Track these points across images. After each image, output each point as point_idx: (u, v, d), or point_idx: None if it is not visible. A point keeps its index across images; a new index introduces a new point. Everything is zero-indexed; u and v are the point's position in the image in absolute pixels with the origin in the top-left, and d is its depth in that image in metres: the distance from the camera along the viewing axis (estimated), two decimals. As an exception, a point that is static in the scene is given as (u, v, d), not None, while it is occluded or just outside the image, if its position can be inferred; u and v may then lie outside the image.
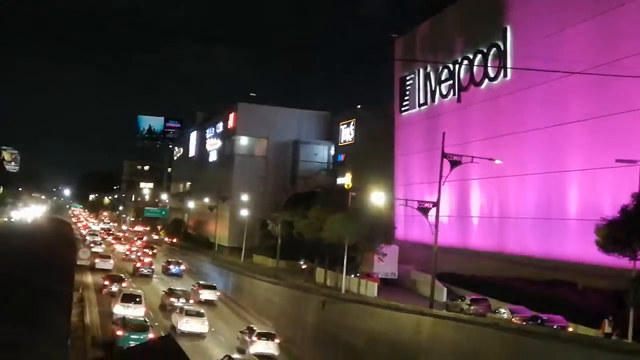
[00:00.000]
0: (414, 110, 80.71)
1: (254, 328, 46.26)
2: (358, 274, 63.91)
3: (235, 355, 39.11)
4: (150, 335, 39.41)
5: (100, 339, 42.77)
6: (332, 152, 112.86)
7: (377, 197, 56.54)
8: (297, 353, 45.94)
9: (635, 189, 33.09)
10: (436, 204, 42.75)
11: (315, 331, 49.02)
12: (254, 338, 43.95)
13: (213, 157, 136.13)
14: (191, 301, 57.89)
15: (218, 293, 68.77)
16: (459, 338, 33.76)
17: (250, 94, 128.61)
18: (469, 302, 46.63)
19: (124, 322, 40.59)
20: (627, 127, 46.39)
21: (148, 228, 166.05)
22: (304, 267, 78.11)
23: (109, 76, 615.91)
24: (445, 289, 54.30)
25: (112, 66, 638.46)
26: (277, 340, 45.66)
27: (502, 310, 42.88)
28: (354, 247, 59.55)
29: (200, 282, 71.55)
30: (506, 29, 62.75)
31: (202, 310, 51.30)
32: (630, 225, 31.31)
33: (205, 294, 65.24)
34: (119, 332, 39.03)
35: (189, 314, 48.87)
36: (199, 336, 47.08)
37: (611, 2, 49.12)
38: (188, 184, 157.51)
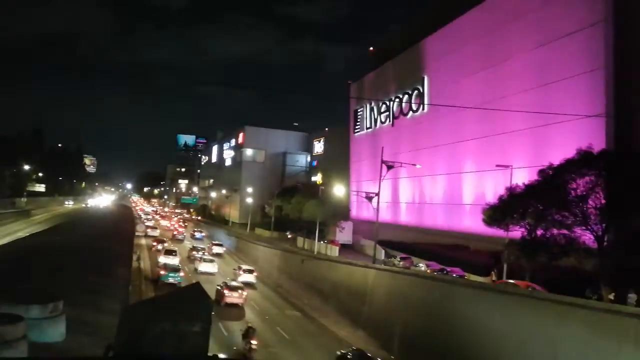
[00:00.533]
0: (363, 132, 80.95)
1: (241, 266, 49.87)
2: (326, 241, 64.12)
3: (232, 283, 39.31)
4: (182, 274, 42.33)
5: (150, 277, 44.68)
6: (309, 159, 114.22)
7: (338, 190, 57.22)
8: (285, 293, 45.98)
9: (509, 185, 33.61)
10: (377, 194, 43.11)
11: (296, 279, 49.12)
12: (241, 272, 46.73)
13: (228, 162, 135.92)
14: (207, 253, 59.72)
15: (224, 248, 69.76)
16: (392, 283, 34.04)
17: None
18: (399, 260, 46.99)
19: (165, 266, 42.98)
20: (504, 143, 47.12)
21: (184, 211, 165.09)
22: (289, 236, 78.15)
23: (161, 105, 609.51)
24: (383, 251, 54.70)
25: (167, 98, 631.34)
26: (255, 274, 47.76)
27: (421, 265, 43.33)
28: (323, 223, 60.03)
29: (213, 242, 72.96)
30: (424, 77, 63.22)
31: (213, 259, 54.48)
32: (504, 208, 31.61)
33: (216, 249, 67.15)
34: (162, 272, 41.62)
35: (204, 260, 52.27)
36: (211, 274, 48.61)
37: (494, 61, 49.83)
38: (211, 180, 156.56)
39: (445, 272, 38.60)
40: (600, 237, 25.77)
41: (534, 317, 22.26)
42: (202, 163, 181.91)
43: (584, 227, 26.11)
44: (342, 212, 66.08)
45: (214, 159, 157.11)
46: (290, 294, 46.51)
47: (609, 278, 25.72)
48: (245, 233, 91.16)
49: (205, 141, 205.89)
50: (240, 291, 37.29)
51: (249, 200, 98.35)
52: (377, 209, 42.51)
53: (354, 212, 75.64)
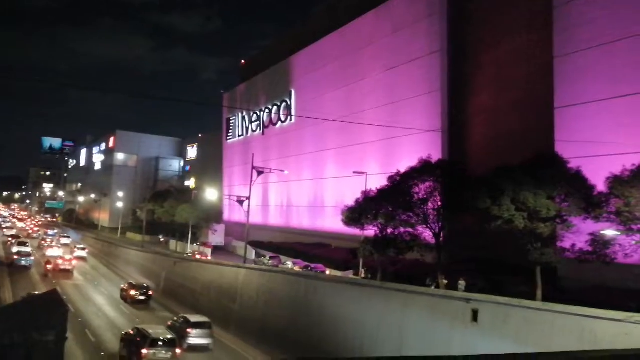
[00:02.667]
0: (235, 139, 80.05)
1: (77, 246, 58.31)
2: (198, 243, 62.14)
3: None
4: (32, 258, 53.72)
5: (5, 262, 53.34)
6: (182, 164, 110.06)
7: (210, 194, 55.81)
8: (156, 296, 43.56)
9: (364, 189, 35.21)
10: (248, 198, 42.79)
11: (169, 281, 46.87)
12: (76, 249, 55.90)
13: (98, 166, 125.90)
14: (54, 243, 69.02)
15: (87, 251, 68.44)
16: (261, 281, 33.94)
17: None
18: (268, 259, 47.12)
19: (19, 253, 53.27)
20: (360, 153, 49.57)
21: (49, 215, 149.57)
22: (162, 240, 74.41)
23: (25, 109, 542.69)
24: (254, 251, 54.49)
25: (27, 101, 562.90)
26: (150, 293, 41.11)
27: (288, 263, 43.88)
28: (196, 226, 58.07)
29: (62, 235, 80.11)
30: (291, 91, 64.36)
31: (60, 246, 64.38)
32: (360, 210, 32.81)
33: (64, 240, 74.10)
34: (16, 257, 52.42)
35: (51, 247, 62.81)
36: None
37: (352, 79, 52.28)
38: (79, 184, 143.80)
39: (309, 268, 39.44)
40: (437, 234, 28.13)
41: (384, 305, 23.64)
42: (70, 167, 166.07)
43: (425, 226, 28.28)
44: (215, 215, 64.69)
45: (82, 162, 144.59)
46: (163, 295, 44.21)
47: (444, 268, 28.22)
48: (115, 237, 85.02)
49: (73, 144, 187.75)
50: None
51: (120, 204, 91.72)
52: (248, 212, 42.19)
53: (226, 215, 74.36)
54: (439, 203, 27.88)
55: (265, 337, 30.01)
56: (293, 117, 63.03)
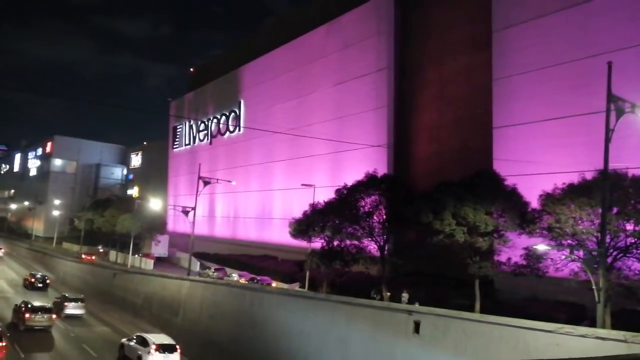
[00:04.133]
0: (182, 148, 78.40)
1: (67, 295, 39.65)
2: (140, 254, 60.01)
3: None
4: None
5: None
6: (125, 172, 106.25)
7: (154, 204, 54.03)
8: (94, 309, 41.53)
9: (312, 202, 35.40)
10: (194, 209, 41.89)
11: (108, 294, 44.89)
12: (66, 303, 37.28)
13: (33, 172, 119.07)
14: None
15: (3, 251, 68.71)
16: (206, 294, 33.18)
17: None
18: (213, 271, 46.21)
19: None
20: (309, 165, 49.81)
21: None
22: (101, 250, 71.25)
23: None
24: (199, 263, 53.24)
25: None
26: (83, 304, 38.27)
27: (234, 275, 43.20)
28: (138, 236, 56.05)
29: None
30: (241, 102, 63.96)
31: None
32: (308, 222, 32.93)
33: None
34: None
35: None
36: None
37: (301, 93, 52.62)
38: (12, 191, 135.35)
39: (255, 280, 39.01)
40: (382, 247, 28.71)
41: (329, 317, 23.71)
42: (2, 172, 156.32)
43: (370, 238, 28.80)
44: (158, 225, 62.68)
45: (16, 168, 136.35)
46: (100, 309, 42.27)
47: (389, 281, 28.76)
48: (50, 247, 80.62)
49: (6, 149, 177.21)
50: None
51: (56, 212, 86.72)
52: (193, 223, 41.27)
53: (170, 226, 72.37)
54: (384, 216, 28.50)
55: (207, 351, 29.30)
56: (242, 128, 62.55)
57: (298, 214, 36.35)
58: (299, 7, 58.34)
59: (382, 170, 34.73)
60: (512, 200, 23.52)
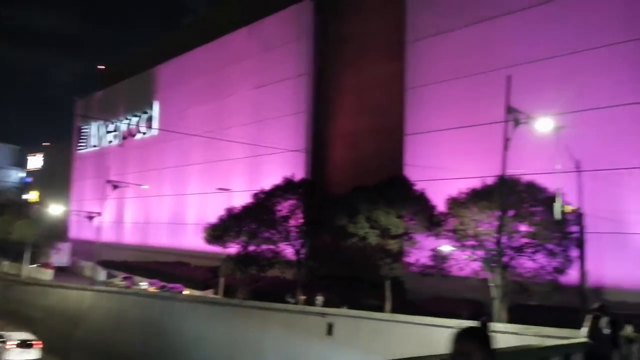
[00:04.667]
0: (88, 150, 74.06)
1: None
2: (39, 264, 55.68)
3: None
4: None
5: None
6: (22, 175, 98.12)
7: (55, 209, 50.53)
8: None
9: (228, 206, 34.96)
10: (100, 214, 39.76)
11: (-1, 308, 41.20)
12: None
13: None
14: None
15: None
16: (111, 305, 31.65)
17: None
18: (120, 279, 44.08)
19: None
20: (226, 169, 49.13)
21: None
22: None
23: None
24: (105, 272, 50.49)
25: None
26: None
27: (143, 283, 41.51)
28: (36, 244, 51.96)
29: None
30: (155, 102, 61.79)
31: None
32: (223, 227, 32.45)
33: None
34: None
35: None
36: None
37: (220, 95, 51.90)
38: None
39: (166, 288, 37.75)
40: (298, 251, 29.01)
41: (243, 323, 23.56)
42: None
43: (286, 243, 29.00)
44: (60, 232, 58.63)
45: None
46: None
47: (304, 284, 29.10)
48: None
49: None
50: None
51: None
52: (99, 229, 39.15)
53: (74, 232, 67.97)
54: (301, 220, 28.86)
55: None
56: (156, 130, 60.36)
57: (213, 219, 35.72)
58: (220, 8, 57.47)
59: (299, 174, 35.13)
60: (421, 204, 24.80)
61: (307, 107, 43.18)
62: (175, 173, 56.56)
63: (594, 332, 12.05)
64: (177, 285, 38.78)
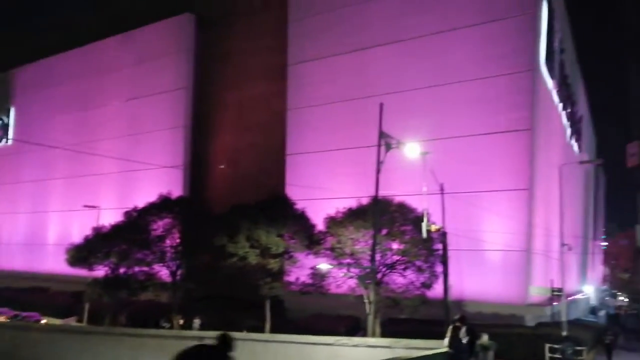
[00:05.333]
0: None
1: None
2: None
3: None
4: None
5: None
6: None
7: None
8: None
9: (96, 225, 32.54)
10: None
11: None
12: None
13: None
14: None
15: None
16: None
17: None
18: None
19: None
20: (94, 185, 45.78)
21: None
22: None
23: None
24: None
25: None
26: None
27: (-12, 313, 36.56)
28: None
29: None
30: (10, 109, 55.66)
31: None
32: (90, 248, 30.21)
33: None
34: None
35: None
36: None
37: (90, 105, 48.42)
38: None
39: (20, 317, 33.77)
40: (174, 272, 27.86)
41: (112, 352, 21.88)
42: None
43: (161, 264, 27.70)
44: None
45: None
46: None
47: (181, 308, 27.96)
48: None
49: None
50: None
51: None
52: None
53: None
54: (178, 240, 27.82)
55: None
56: (10, 139, 54.27)
57: (78, 238, 33.01)
58: (92, 12, 53.68)
59: (177, 192, 33.95)
60: (301, 223, 25.36)
61: (185, 122, 42.06)
62: (33, 188, 51.20)
63: (454, 341, 13.32)
64: (33, 313, 34.88)
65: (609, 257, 53.16)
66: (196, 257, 27.69)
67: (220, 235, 24.20)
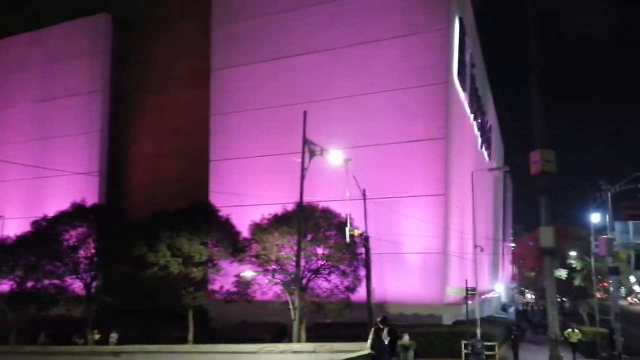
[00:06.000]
0: None
1: None
2: None
3: None
4: None
5: None
6: None
7: None
8: None
9: (-2, 236, 30.06)
10: None
11: None
12: None
13: None
14: None
15: None
16: None
17: None
18: None
19: None
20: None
21: None
22: None
23: None
24: None
25: None
26: None
27: None
28: None
29: None
30: None
31: None
32: None
33: None
34: None
35: None
36: None
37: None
38: None
39: None
40: (89, 284, 26.35)
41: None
42: None
43: (75, 276, 26.11)
44: None
45: None
46: None
47: (98, 321, 26.45)
48: None
49: None
50: None
51: None
52: None
53: None
54: (93, 251, 26.39)
55: None
56: None
57: None
58: (2, 7, 49.58)
59: (92, 200, 32.20)
60: (225, 230, 24.98)
61: (101, 126, 40.07)
62: None
63: (376, 342, 13.74)
64: None
65: (517, 257, 57.19)
66: (113, 267, 26.36)
67: (140, 245, 23.25)
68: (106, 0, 41.46)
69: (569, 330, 26.11)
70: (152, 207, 27.83)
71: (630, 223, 33.77)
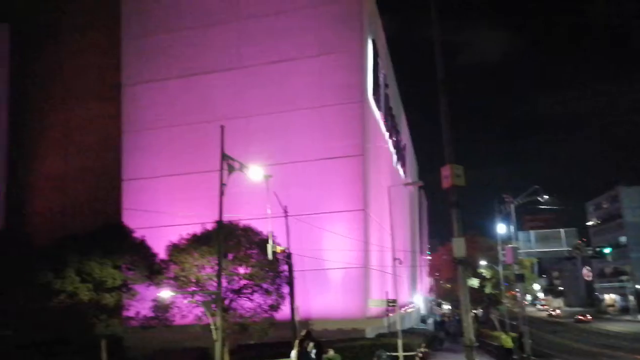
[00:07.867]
0: None
1: None
2: None
3: None
4: None
5: None
6: None
7: None
8: None
9: None
10: None
11: None
12: None
13: None
14: None
15: None
16: None
17: None
18: None
19: None
20: None
21: None
22: None
23: None
24: None
25: None
26: None
27: None
28: None
29: None
30: None
31: None
32: None
33: None
34: None
35: None
36: None
37: None
38: None
39: None
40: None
41: None
42: None
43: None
44: None
45: None
46: None
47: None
48: None
49: None
50: None
51: None
52: None
53: None
54: (-11, 281, 24.19)
55: None
56: None
57: None
58: None
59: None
60: (141, 252, 23.98)
61: (-1, 144, 37.21)
62: None
63: (302, 355, 13.92)
64: None
65: (433, 270, 59.92)
66: (14, 298, 24.30)
67: (45, 271, 21.71)
68: (7, 9, 38.92)
69: (504, 336, 27.93)
70: (59, 230, 26.25)
71: (532, 232, 36.84)
